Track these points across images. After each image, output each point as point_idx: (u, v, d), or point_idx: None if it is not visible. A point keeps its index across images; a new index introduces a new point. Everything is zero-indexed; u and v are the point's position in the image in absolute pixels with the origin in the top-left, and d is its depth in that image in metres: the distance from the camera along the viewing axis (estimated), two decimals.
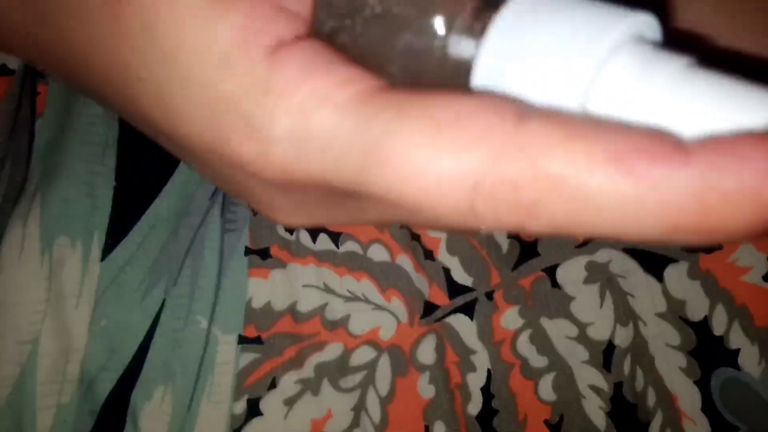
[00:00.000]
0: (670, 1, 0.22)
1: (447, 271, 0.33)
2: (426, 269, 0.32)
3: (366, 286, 0.32)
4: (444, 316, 0.32)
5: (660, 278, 0.34)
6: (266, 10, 0.16)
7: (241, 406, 0.30)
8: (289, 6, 0.17)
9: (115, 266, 0.30)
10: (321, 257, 0.32)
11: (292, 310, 0.31)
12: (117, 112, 0.20)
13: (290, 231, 0.32)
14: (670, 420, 0.33)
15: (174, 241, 0.30)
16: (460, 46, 0.16)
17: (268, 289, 0.31)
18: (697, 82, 0.15)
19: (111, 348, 0.30)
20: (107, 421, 0.29)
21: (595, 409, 0.33)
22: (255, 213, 0.32)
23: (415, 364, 0.32)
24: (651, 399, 0.33)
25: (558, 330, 0.33)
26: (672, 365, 0.33)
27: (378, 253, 0.32)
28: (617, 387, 0.33)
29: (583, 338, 0.33)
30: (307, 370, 0.31)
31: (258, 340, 0.31)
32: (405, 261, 0.32)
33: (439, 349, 0.32)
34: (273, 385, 0.30)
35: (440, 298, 0.33)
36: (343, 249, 0.32)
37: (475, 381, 0.32)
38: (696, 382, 0.33)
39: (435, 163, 0.14)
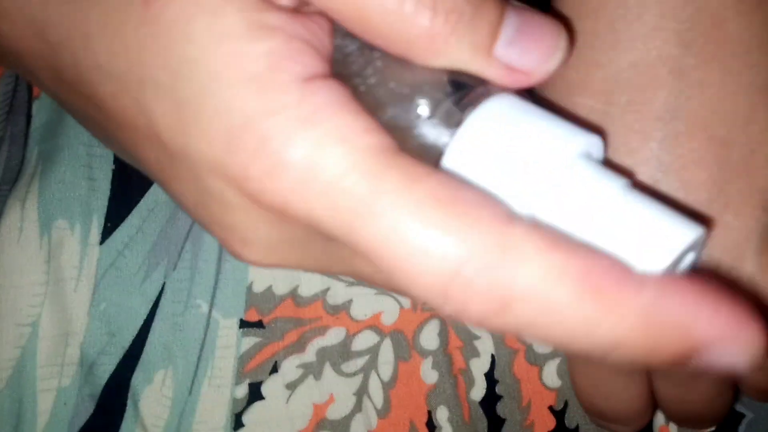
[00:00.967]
0: None
1: None
2: None
3: None
4: None
5: None
6: (299, 43, 0.17)
7: (242, 390, 0.30)
8: (316, 44, 0.17)
9: (114, 249, 0.30)
10: None
11: (293, 295, 0.31)
12: (112, 129, 0.20)
13: None
14: None
15: (173, 224, 0.30)
16: (437, 131, 0.18)
17: (269, 273, 0.30)
18: (633, 201, 0.17)
19: (111, 331, 0.29)
20: (108, 404, 0.29)
21: None
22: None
23: (418, 349, 0.31)
24: None
25: None
26: None
27: None
28: None
29: None
30: (309, 355, 0.30)
31: (259, 324, 0.30)
32: None
33: (443, 335, 0.32)
34: (275, 369, 0.30)
35: None
36: None
37: (479, 366, 0.32)
38: None
39: (427, 236, 0.15)
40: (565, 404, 0.32)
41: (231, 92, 0.16)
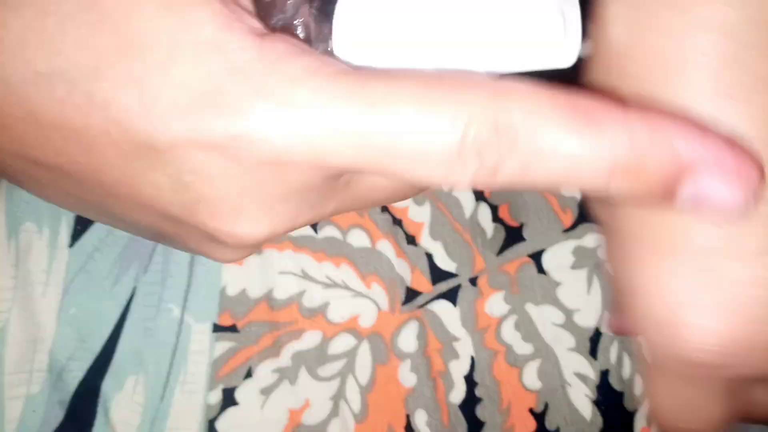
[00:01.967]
0: None
1: (430, 257, 0.32)
2: (408, 255, 0.31)
3: (345, 273, 0.31)
4: (426, 303, 0.31)
5: None
6: (236, 5, 0.17)
7: (216, 396, 0.29)
8: (243, 3, 0.18)
9: (83, 253, 0.29)
10: (298, 243, 0.31)
11: (268, 298, 0.30)
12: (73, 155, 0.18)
13: None
14: None
15: None
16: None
17: (243, 276, 0.30)
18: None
19: (80, 337, 0.29)
20: (78, 410, 0.29)
21: (581, 397, 0.32)
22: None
23: (396, 351, 0.31)
24: (638, 387, 0.32)
25: (544, 316, 0.32)
26: None
27: (358, 239, 0.31)
28: (604, 375, 0.32)
29: (569, 325, 0.32)
30: (285, 359, 0.30)
31: (233, 329, 0.30)
32: (386, 246, 0.31)
33: (421, 337, 0.31)
34: (249, 374, 0.30)
35: (423, 284, 0.32)
36: (321, 234, 0.31)
37: (458, 369, 0.31)
38: None
39: (430, 116, 0.16)
40: (546, 406, 0.32)
41: (192, 60, 0.16)
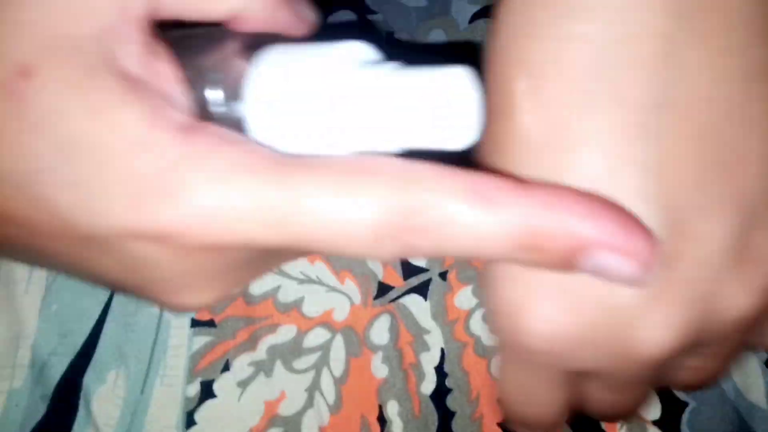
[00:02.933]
0: None
1: None
2: None
3: (320, 269, 0.32)
4: (398, 297, 0.33)
5: None
6: (161, 99, 0.18)
7: (194, 389, 0.30)
8: (169, 91, 0.19)
9: None
10: None
11: (244, 293, 0.31)
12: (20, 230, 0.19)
13: None
14: None
15: None
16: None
17: None
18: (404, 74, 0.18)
19: (62, 332, 0.30)
20: (60, 404, 0.29)
21: None
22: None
23: (369, 344, 0.32)
24: None
25: None
26: None
27: None
28: None
29: None
30: (260, 352, 0.31)
31: (211, 323, 0.31)
32: None
33: (393, 330, 0.32)
34: (226, 367, 0.31)
35: (394, 279, 0.33)
36: None
37: (429, 360, 0.32)
38: None
39: (346, 204, 0.17)
40: None
41: (124, 160, 0.17)
